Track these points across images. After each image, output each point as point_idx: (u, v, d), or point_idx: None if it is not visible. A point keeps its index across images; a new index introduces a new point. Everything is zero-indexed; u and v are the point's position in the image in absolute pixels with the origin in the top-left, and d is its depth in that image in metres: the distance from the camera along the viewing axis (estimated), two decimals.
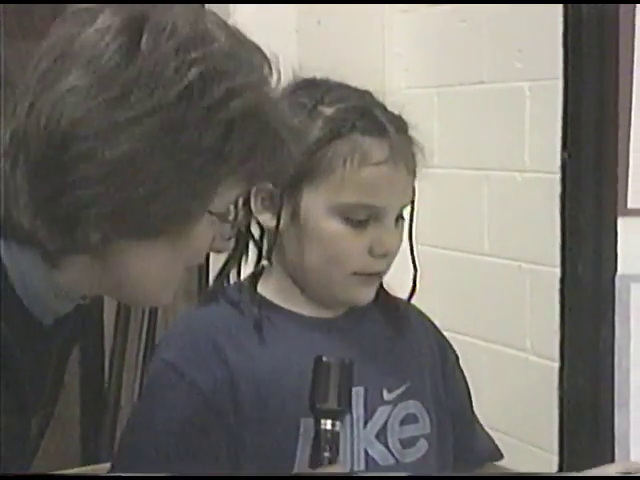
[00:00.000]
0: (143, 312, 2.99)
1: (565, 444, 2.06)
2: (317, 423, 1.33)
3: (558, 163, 2.05)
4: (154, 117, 1.09)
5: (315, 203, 1.42)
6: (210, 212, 1.14)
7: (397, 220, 1.46)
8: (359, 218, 1.42)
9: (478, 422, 1.63)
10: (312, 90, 1.45)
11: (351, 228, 1.42)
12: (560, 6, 2.03)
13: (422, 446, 1.51)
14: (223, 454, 1.36)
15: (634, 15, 1.95)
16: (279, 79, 1.18)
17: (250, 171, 1.15)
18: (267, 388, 1.43)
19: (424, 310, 1.63)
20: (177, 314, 2.90)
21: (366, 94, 1.47)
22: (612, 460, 1.91)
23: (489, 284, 2.27)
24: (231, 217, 1.18)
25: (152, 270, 1.16)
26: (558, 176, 2.05)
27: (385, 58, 2.44)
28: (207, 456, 1.37)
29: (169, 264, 1.16)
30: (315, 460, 1.33)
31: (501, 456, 1.62)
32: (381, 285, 1.51)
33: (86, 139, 1.08)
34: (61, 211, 1.10)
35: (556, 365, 2.06)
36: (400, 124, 1.46)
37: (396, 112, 1.47)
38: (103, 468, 1.74)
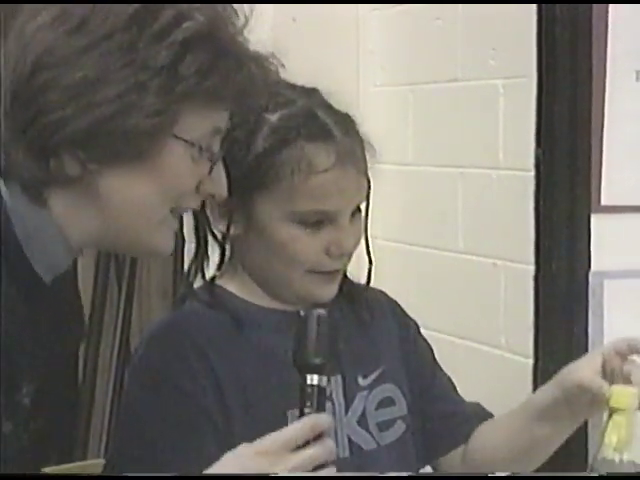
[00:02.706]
0: (117, 309, 2.98)
1: None
2: (303, 380, 1.31)
3: (532, 160, 2.05)
4: (110, 40, 1.17)
5: (268, 210, 1.42)
6: (176, 136, 1.19)
7: (353, 216, 1.45)
8: (313, 221, 1.42)
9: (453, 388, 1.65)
10: None
11: (305, 230, 1.43)
12: (534, 5, 2.03)
13: (399, 428, 1.54)
14: (213, 454, 1.33)
15: (607, 12, 1.96)
16: (245, 25, 1.24)
17: (210, 92, 1.19)
18: (252, 386, 1.43)
19: None
20: (152, 312, 2.93)
21: (312, 94, 1.46)
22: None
23: (464, 281, 2.26)
24: (207, 150, 1.21)
25: (135, 202, 1.21)
26: (532, 173, 2.05)
27: (359, 56, 2.44)
28: (198, 457, 1.35)
29: (151, 197, 1.21)
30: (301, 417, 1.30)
31: (490, 414, 1.64)
32: (345, 274, 1.52)
33: (51, 67, 1.17)
34: (34, 139, 1.18)
35: (530, 361, 2.06)
36: (347, 124, 1.45)
37: (343, 110, 1.46)
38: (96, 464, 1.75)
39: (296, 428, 1.26)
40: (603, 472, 1.37)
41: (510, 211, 2.13)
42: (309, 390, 1.30)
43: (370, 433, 1.50)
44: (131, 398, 1.47)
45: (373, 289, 1.59)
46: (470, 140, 2.24)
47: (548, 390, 1.53)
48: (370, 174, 1.48)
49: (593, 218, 1.96)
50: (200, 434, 1.40)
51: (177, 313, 1.51)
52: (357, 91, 2.40)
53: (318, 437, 1.26)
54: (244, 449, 1.25)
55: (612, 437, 1.36)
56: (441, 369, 1.65)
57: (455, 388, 1.65)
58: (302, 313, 1.34)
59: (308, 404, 1.29)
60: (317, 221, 1.43)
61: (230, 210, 1.43)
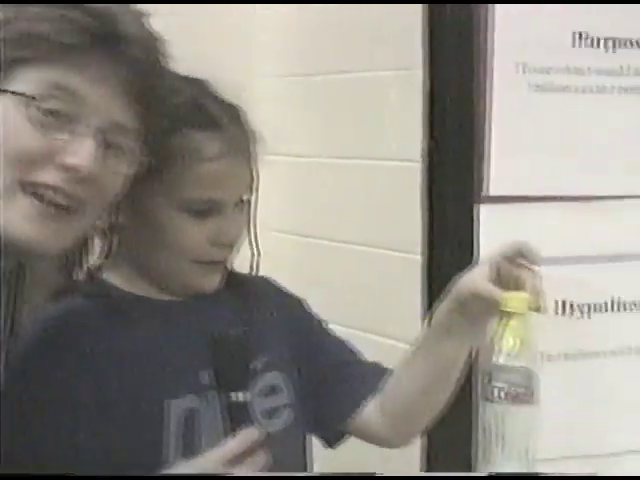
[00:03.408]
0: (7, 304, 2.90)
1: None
2: (227, 398, 1.36)
3: (420, 151, 2.06)
4: None
5: (154, 197, 1.43)
6: (4, 91, 1.13)
7: (239, 207, 1.47)
8: (198, 209, 1.44)
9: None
10: None
11: (191, 219, 1.44)
12: None
13: (287, 415, 1.56)
14: (89, 446, 1.37)
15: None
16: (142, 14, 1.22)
17: (21, 34, 1.14)
18: (131, 377, 1.43)
19: None
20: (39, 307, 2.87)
21: (200, 83, 1.46)
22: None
23: (352, 272, 2.28)
24: (52, 112, 1.16)
25: None
26: (420, 164, 2.06)
27: (252, 46, 2.42)
28: (74, 448, 1.38)
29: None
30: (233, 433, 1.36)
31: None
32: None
33: None
34: None
35: None
36: (235, 114, 1.47)
37: (232, 101, 1.47)
38: None
39: (232, 446, 1.30)
40: (498, 378, 1.38)
41: (399, 202, 2.15)
42: (235, 407, 1.36)
43: (257, 421, 1.50)
44: (7, 389, 1.43)
45: (256, 277, 1.59)
46: (359, 131, 2.24)
47: (444, 305, 1.55)
48: (259, 165, 1.48)
49: (481, 208, 1.96)
50: (75, 426, 1.40)
51: (56, 306, 1.48)
52: (249, 82, 2.38)
53: (251, 451, 1.31)
54: (182, 468, 1.27)
55: (506, 342, 1.39)
56: (334, 336, 1.67)
57: (354, 350, 1.67)
58: (215, 335, 1.38)
59: (239, 419, 1.35)
60: (203, 210, 1.44)
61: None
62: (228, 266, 1.53)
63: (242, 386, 1.38)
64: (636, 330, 2.05)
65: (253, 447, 1.33)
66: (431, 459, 2.04)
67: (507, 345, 1.39)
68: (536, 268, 1.48)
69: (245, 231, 1.51)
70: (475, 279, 1.50)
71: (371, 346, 2.08)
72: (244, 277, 1.57)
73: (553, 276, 1.90)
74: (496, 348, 1.39)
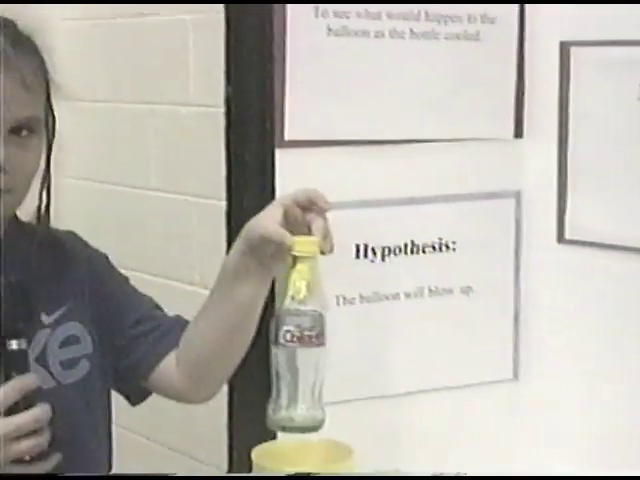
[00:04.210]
0: None
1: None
2: (2, 345, 1.34)
3: (222, 96, 2.04)
4: None
5: None
6: None
7: (17, 135, 1.42)
8: None
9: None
10: None
11: None
12: None
13: (83, 366, 1.53)
14: None
15: None
16: None
17: None
18: None
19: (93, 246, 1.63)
20: None
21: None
22: None
23: (156, 219, 2.26)
24: None
25: None
26: (222, 110, 2.04)
27: None
28: None
29: None
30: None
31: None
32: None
33: None
34: None
35: None
36: (23, 45, 1.43)
37: (25, 36, 1.45)
38: None
39: (5, 390, 1.29)
40: (287, 321, 1.38)
41: (201, 147, 2.14)
42: (11, 355, 1.34)
43: (50, 372, 1.49)
44: None
45: (61, 230, 1.57)
46: (159, 76, 2.22)
47: (235, 248, 1.53)
48: (54, 108, 1.46)
49: (278, 153, 1.96)
50: None
51: None
52: (51, 25, 2.32)
53: (27, 400, 1.31)
54: None
55: (295, 286, 1.39)
56: (137, 292, 1.65)
57: (157, 306, 1.65)
58: None
59: (14, 368, 1.33)
60: None
61: None
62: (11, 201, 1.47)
63: (21, 334, 1.35)
64: (430, 272, 2.09)
65: (28, 397, 1.31)
66: (234, 406, 2.04)
67: (295, 289, 1.39)
68: (325, 213, 1.48)
69: (29, 170, 1.46)
70: (264, 222, 1.48)
71: (175, 294, 2.18)
72: (46, 229, 1.54)
73: (350, 219, 1.97)
74: (286, 292, 1.40)
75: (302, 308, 1.39)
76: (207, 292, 2.06)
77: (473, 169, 2.12)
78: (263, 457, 1.67)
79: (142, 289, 1.69)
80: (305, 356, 1.40)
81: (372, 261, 2.03)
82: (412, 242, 2.07)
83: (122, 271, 1.67)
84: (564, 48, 2.12)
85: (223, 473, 2.05)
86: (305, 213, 1.48)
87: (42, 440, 1.35)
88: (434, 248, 2.10)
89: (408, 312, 2.08)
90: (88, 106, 2.32)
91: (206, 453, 2.15)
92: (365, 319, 2.03)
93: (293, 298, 1.40)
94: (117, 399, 1.64)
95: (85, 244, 1.63)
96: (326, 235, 1.45)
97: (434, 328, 2.10)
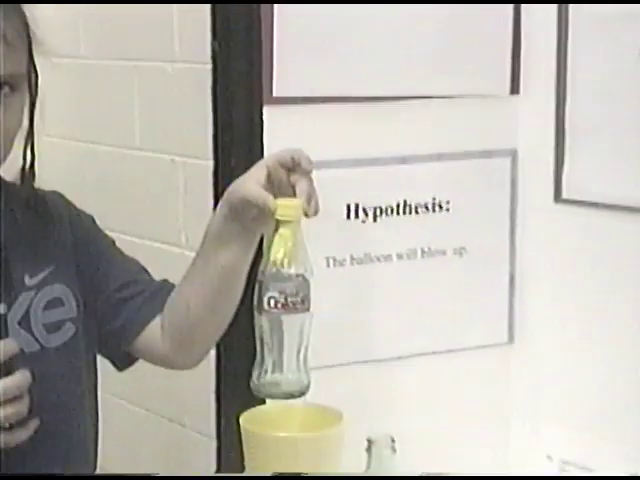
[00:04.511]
0: None
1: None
2: None
3: (209, 53, 2.01)
4: None
5: None
6: None
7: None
8: None
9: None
10: None
11: None
12: None
13: (68, 329, 1.52)
14: None
15: None
16: None
17: None
18: None
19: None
20: None
21: None
22: None
23: (141, 179, 2.22)
24: None
25: None
26: (209, 66, 2.01)
27: None
28: None
29: None
30: None
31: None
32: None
33: None
34: None
35: None
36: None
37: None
38: None
39: None
40: (270, 287, 1.36)
41: (187, 105, 2.09)
42: None
43: (33, 335, 1.47)
44: None
45: (46, 190, 1.54)
46: (144, 32, 2.17)
47: (218, 211, 1.51)
48: (37, 64, 1.42)
49: (266, 110, 1.94)
50: None
51: None
52: None
53: (7, 366, 1.28)
54: None
55: (279, 251, 1.36)
56: (123, 255, 1.64)
57: (143, 270, 1.64)
58: None
59: None
60: None
61: None
62: None
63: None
64: (423, 233, 2.08)
65: (8, 361, 1.29)
66: (222, 372, 2.02)
67: (278, 254, 1.36)
68: (309, 174, 1.43)
69: (11, 128, 1.41)
70: (247, 185, 1.44)
71: (161, 257, 2.15)
72: (30, 189, 1.50)
73: (341, 179, 1.97)
74: (268, 257, 1.36)
75: (285, 273, 1.36)
76: (194, 255, 2.09)
77: (468, 127, 2.10)
78: (251, 422, 1.67)
79: (127, 252, 1.65)
80: (290, 322, 1.37)
81: (363, 222, 2.03)
82: (405, 202, 2.06)
83: (108, 233, 1.65)
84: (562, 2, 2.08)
85: (211, 439, 2.05)
86: (290, 174, 1.44)
87: (22, 407, 1.33)
88: (427, 208, 2.08)
89: (400, 274, 2.06)
90: (71, 63, 2.28)
91: (194, 419, 2.13)
92: (356, 281, 2.02)
93: (275, 263, 1.36)
94: (103, 363, 1.62)
95: (70, 205, 1.61)
96: (310, 197, 1.41)
97: (427, 290, 2.09)
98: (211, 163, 2.04)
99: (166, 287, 1.61)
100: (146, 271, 1.65)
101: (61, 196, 1.60)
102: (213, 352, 1.94)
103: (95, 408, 1.59)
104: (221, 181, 2.03)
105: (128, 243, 2.06)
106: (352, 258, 2.02)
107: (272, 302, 1.36)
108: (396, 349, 2.07)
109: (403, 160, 2.05)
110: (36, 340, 1.47)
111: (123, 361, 1.63)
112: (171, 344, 1.58)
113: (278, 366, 1.38)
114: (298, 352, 1.39)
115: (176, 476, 1.26)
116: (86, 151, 2.31)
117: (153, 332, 1.58)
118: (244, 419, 1.66)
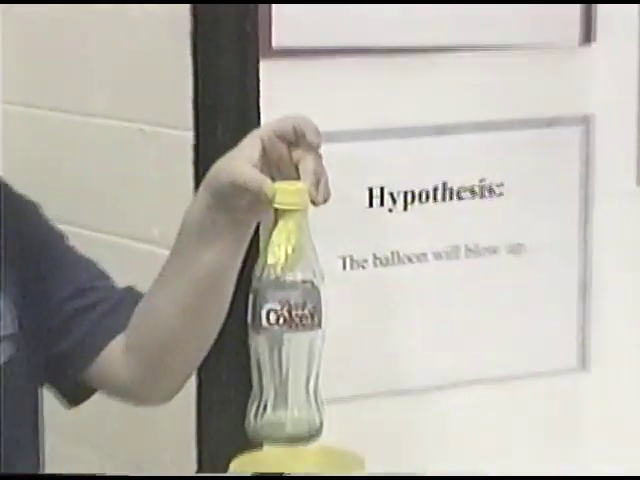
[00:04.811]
0: None
1: None
2: None
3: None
4: None
5: None
6: None
7: None
8: None
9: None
10: None
11: None
12: None
13: (4, 350, 1.53)
14: None
15: None
16: None
17: None
18: None
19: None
20: None
21: None
22: None
23: (102, 155, 2.21)
24: None
25: None
26: (188, 9, 1.99)
27: None
28: None
29: None
30: None
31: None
32: None
33: None
34: None
35: None
36: None
37: None
38: None
39: None
40: (269, 297, 1.34)
41: (161, 60, 2.08)
42: None
43: None
44: None
45: None
46: None
47: (199, 199, 1.48)
48: None
49: (262, 65, 1.92)
50: None
51: None
52: None
53: None
54: None
55: (280, 248, 1.34)
56: (77, 254, 1.66)
57: (102, 273, 1.65)
58: None
59: None
60: None
61: None
62: None
63: None
64: (468, 225, 2.06)
65: None
66: (203, 407, 2.02)
67: (280, 252, 1.34)
68: (317, 149, 1.41)
69: None
70: (236, 164, 1.42)
71: (127, 256, 2.14)
72: None
73: (360, 155, 1.97)
74: (265, 258, 1.34)
75: (289, 279, 1.34)
76: (167, 254, 2.09)
77: (525, 88, 2.07)
78: (246, 470, 1.57)
79: (83, 250, 1.65)
80: (295, 342, 1.35)
81: (390, 210, 2.00)
82: (444, 185, 2.04)
83: (58, 226, 1.63)
84: None
85: None
86: (292, 149, 1.42)
87: None
88: (473, 193, 2.06)
89: (438, 279, 2.05)
90: (20, 10, 2.29)
91: (168, 468, 2.10)
92: (380, 288, 2.01)
93: (275, 266, 1.34)
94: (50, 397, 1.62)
95: (9, 190, 1.60)
96: (318, 179, 1.39)
97: (472, 300, 2.07)
98: (191, 134, 2.01)
99: (131, 296, 1.61)
100: (105, 275, 1.65)
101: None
102: (193, 381, 1.93)
103: (36, 453, 1.63)
104: (203, 158, 2.00)
105: (84, 238, 2.10)
106: (375, 258, 2.01)
107: (272, 316, 1.34)
108: (433, 377, 2.06)
109: (441, 130, 2.03)
110: None
111: (74, 394, 1.62)
112: (137, 371, 1.58)
113: (281, 400, 1.35)
114: (307, 381, 1.36)
115: (175, 476, 1.29)
116: (35, 118, 2.32)
117: (113, 356, 1.58)
118: (236, 467, 1.57)
